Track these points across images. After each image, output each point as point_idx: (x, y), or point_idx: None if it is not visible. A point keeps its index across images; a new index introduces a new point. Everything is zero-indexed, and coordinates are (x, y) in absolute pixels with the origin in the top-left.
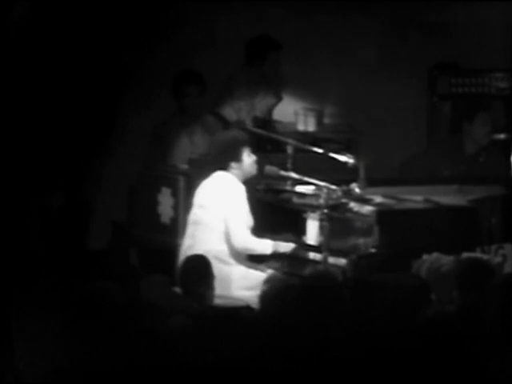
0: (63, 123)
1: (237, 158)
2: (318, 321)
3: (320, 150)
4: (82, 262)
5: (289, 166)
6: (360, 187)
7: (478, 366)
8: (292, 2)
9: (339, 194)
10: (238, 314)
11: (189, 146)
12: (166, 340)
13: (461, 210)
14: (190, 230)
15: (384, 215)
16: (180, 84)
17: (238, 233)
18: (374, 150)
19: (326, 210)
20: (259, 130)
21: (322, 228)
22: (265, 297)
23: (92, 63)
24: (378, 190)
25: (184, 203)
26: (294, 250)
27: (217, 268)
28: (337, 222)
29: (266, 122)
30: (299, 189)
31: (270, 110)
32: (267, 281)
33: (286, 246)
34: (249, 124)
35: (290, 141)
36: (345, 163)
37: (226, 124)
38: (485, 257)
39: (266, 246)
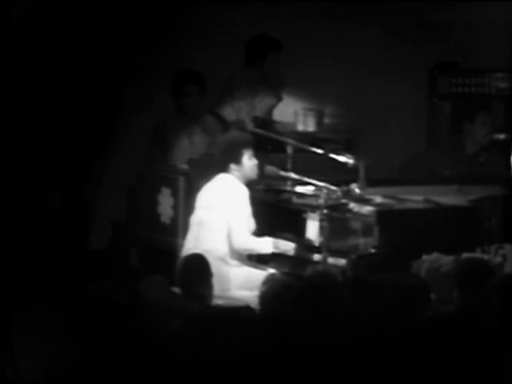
0: (63, 123)
1: (237, 160)
2: (318, 321)
3: (320, 151)
4: (82, 262)
5: (289, 166)
6: (360, 187)
7: (478, 365)
8: (292, 2)
9: (339, 194)
10: (238, 313)
11: (188, 146)
12: (166, 340)
13: (461, 210)
14: (192, 231)
15: (384, 215)
16: (180, 84)
17: (239, 234)
18: (374, 150)
19: (325, 211)
20: (259, 130)
21: (321, 228)
22: (264, 297)
23: (92, 63)
24: (378, 190)
25: (184, 203)
26: (295, 249)
27: (217, 268)
28: (337, 222)
29: (266, 122)
30: (299, 189)
31: (270, 111)
32: (267, 281)
33: (286, 245)
34: (249, 124)
35: (289, 141)
36: (345, 163)
37: (225, 124)
38: (485, 257)
39: (266, 245)
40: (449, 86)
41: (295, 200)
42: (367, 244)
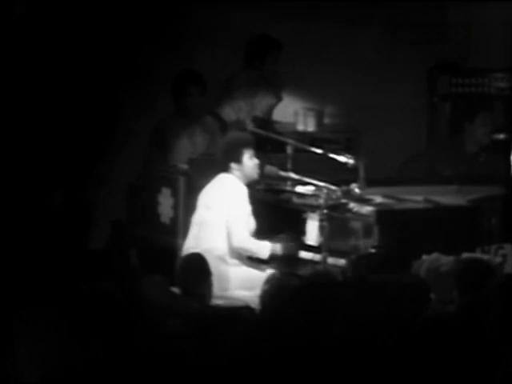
0: (64, 123)
1: (237, 160)
2: (318, 321)
3: (320, 151)
4: (81, 261)
5: (289, 166)
6: (360, 187)
7: (478, 365)
8: (292, 2)
9: (339, 194)
10: (238, 313)
11: (189, 146)
12: (166, 340)
13: (461, 210)
14: (193, 230)
15: (384, 215)
16: (181, 84)
17: (238, 233)
18: (374, 150)
19: (325, 211)
20: (259, 130)
21: (321, 228)
22: (265, 297)
23: (94, 64)
24: (378, 190)
25: (184, 203)
26: (293, 250)
27: (217, 268)
28: (337, 222)
29: (266, 122)
30: (299, 189)
31: (269, 110)
32: (267, 281)
33: (285, 249)
34: (249, 124)
35: (289, 141)
36: (344, 163)
37: (224, 124)
38: (485, 257)
39: (263, 248)
40: (449, 86)
41: (295, 200)
42: (367, 244)
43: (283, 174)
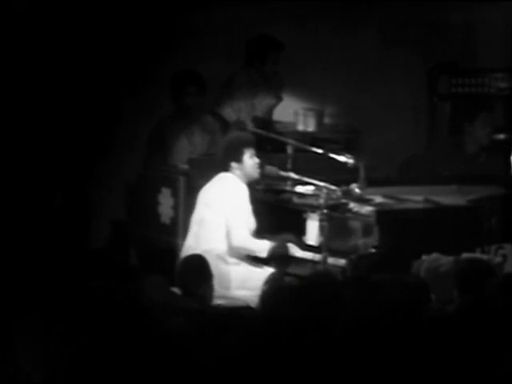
0: (64, 123)
1: (237, 159)
2: (318, 320)
3: (320, 150)
4: (81, 261)
5: (289, 166)
6: (360, 187)
7: (478, 365)
8: (292, 2)
9: (339, 194)
10: (238, 313)
11: (188, 146)
12: (166, 340)
13: (461, 210)
14: (193, 229)
15: (384, 215)
16: (181, 84)
17: (238, 233)
18: (374, 149)
19: (325, 211)
20: (259, 130)
21: (321, 228)
22: (265, 297)
23: (94, 65)
24: (378, 190)
25: (184, 203)
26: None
27: (217, 267)
28: (337, 222)
29: (266, 122)
30: (299, 189)
31: (270, 111)
32: (267, 281)
33: (284, 249)
34: (249, 124)
35: (290, 141)
36: (345, 163)
37: (225, 124)
38: (485, 257)
39: (263, 247)
40: (449, 86)
41: (295, 200)
42: (367, 244)
43: (283, 173)
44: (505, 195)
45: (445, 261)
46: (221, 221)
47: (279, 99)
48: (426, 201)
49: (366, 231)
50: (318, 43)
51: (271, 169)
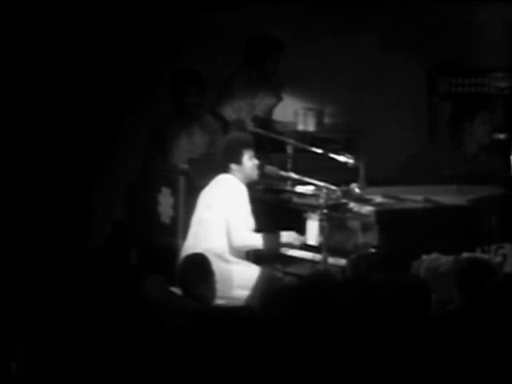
0: (65, 124)
1: (236, 160)
2: (318, 320)
3: (320, 150)
4: (82, 261)
5: (289, 165)
6: (360, 187)
7: (478, 365)
8: (292, 2)
9: (339, 194)
10: (238, 313)
11: (188, 145)
12: (166, 340)
13: (461, 210)
14: (192, 229)
15: (384, 215)
16: (180, 84)
17: (238, 233)
18: (374, 150)
19: (325, 210)
20: (259, 130)
21: (321, 228)
22: (265, 297)
23: (93, 64)
24: (378, 190)
25: (184, 203)
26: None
27: (218, 266)
28: (337, 221)
29: (266, 122)
30: (299, 189)
31: (270, 110)
32: (268, 281)
33: (288, 237)
34: (249, 124)
35: (289, 141)
36: (345, 163)
37: (225, 124)
38: (485, 257)
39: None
40: (449, 86)
41: (295, 200)
42: (367, 244)
43: (283, 173)
44: (505, 195)
45: (445, 260)
46: (220, 220)
47: (279, 99)
48: (426, 200)
49: (366, 231)
50: (318, 43)
51: (271, 169)
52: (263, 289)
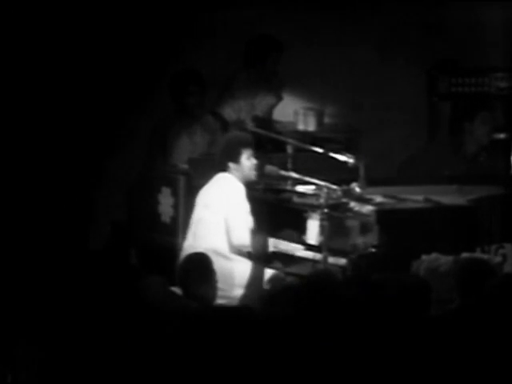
0: (65, 124)
1: (235, 160)
2: (318, 320)
3: (320, 150)
4: (82, 261)
5: (289, 165)
6: (360, 187)
7: (478, 365)
8: (292, 2)
9: (339, 193)
10: (238, 313)
11: (189, 145)
12: (166, 340)
13: (461, 210)
14: (192, 228)
15: (384, 215)
16: (180, 84)
17: (238, 232)
18: (374, 150)
19: (326, 210)
20: (259, 130)
21: (322, 227)
22: (265, 297)
23: (94, 64)
24: (378, 190)
25: (184, 203)
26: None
27: (218, 263)
28: (337, 221)
29: (266, 122)
30: (299, 188)
31: (270, 110)
32: (269, 281)
33: (255, 244)
34: (249, 124)
35: (290, 140)
36: (345, 163)
37: (225, 124)
38: (485, 257)
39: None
40: (449, 86)
41: (296, 199)
42: (367, 243)
43: (284, 173)
44: (505, 195)
45: (444, 260)
46: (219, 219)
47: (279, 99)
48: (426, 200)
49: (366, 230)
50: (317, 43)
51: (271, 168)
52: (264, 288)
